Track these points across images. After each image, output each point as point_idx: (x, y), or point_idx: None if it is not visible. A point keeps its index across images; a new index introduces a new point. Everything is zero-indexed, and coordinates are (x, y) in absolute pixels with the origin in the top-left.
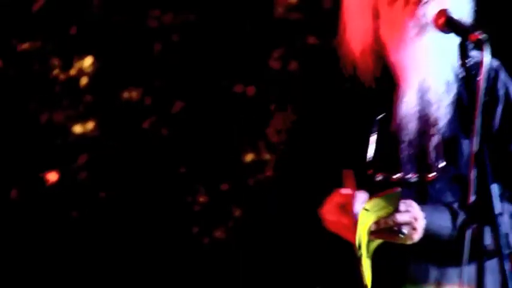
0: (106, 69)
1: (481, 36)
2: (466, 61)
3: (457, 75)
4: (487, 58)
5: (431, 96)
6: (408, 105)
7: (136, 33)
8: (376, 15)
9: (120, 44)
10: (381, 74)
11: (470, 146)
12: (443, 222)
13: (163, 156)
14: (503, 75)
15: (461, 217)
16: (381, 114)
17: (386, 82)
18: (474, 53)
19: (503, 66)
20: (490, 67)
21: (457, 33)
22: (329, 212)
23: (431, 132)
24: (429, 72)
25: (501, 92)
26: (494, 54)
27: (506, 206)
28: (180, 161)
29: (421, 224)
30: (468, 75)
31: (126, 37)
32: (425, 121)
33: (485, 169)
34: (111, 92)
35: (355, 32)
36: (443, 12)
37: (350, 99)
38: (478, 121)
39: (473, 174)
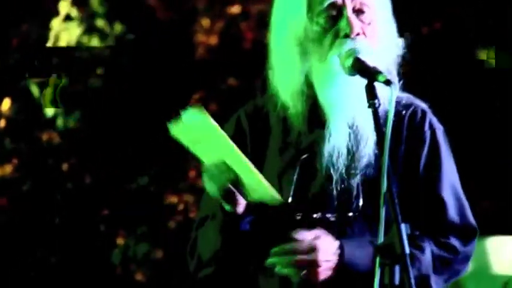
0: (23, 111)
1: (389, 76)
2: (375, 102)
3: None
4: (394, 98)
5: (358, 135)
6: (335, 144)
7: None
8: (303, 53)
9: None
10: (309, 114)
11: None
12: (363, 258)
13: (83, 199)
14: (430, 118)
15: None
16: (305, 154)
17: (315, 121)
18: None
19: (432, 108)
20: (418, 108)
21: (363, 75)
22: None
23: (354, 172)
24: (356, 112)
25: (427, 135)
26: (423, 96)
27: (432, 247)
28: (101, 203)
29: (325, 265)
30: (375, 116)
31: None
32: (349, 160)
33: (395, 208)
34: (29, 135)
35: (283, 73)
36: (351, 53)
37: (276, 140)
38: (385, 160)
39: (383, 213)
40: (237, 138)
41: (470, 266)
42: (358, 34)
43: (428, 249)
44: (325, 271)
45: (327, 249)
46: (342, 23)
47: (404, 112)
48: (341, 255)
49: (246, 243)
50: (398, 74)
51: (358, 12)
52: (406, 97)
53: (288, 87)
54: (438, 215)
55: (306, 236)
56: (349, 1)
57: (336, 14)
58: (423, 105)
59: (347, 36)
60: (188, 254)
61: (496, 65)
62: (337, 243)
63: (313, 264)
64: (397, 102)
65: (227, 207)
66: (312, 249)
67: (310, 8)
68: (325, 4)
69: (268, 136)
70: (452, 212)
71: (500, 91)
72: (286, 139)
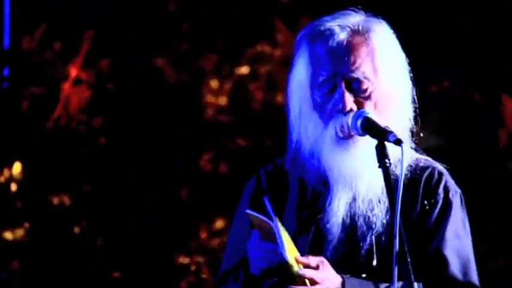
0: (35, 175)
1: (399, 136)
2: (386, 161)
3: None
4: (405, 157)
5: (365, 200)
6: (339, 208)
7: (63, 138)
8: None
9: (48, 150)
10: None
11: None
12: None
13: (96, 261)
14: (445, 180)
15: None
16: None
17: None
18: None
19: (449, 172)
20: (435, 170)
21: (373, 135)
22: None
23: (367, 232)
24: (362, 177)
25: (441, 196)
26: (442, 160)
27: None
28: (113, 266)
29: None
30: (386, 176)
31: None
32: (358, 223)
33: (407, 268)
34: (41, 198)
35: (300, 135)
36: (360, 114)
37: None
38: (397, 220)
39: (395, 273)
40: (257, 196)
41: None
42: (351, 110)
43: None
44: None
45: (330, 275)
46: (335, 99)
47: (421, 174)
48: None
49: None
50: (413, 134)
51: (355, 87)
52: (425, 159)
53: (304, 147)
54: (439, 272)
55: (310, 257)
56: (341, 78)
57: (331, 89)
58: (441, 167)
59: (340, 112)
60: None
61: None
62: (340, 277)
63: (317, 281)
64: (416, 165)
65: (253, 269)
66: (318, 267)
67: (313, 79)
68: (321, 79)
69: (286, 195)
70: (454, 270)
71: None
72: (303, 198)
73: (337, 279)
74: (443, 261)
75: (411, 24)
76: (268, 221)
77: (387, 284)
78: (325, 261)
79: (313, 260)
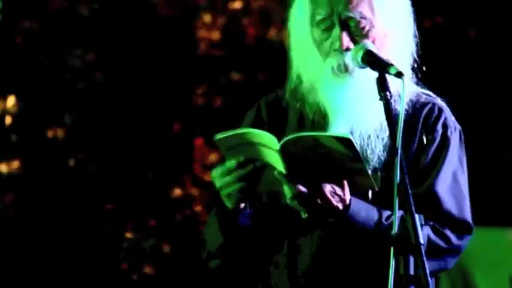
0: (29, 108)
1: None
2: (387, 94)
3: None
4: (406, 89)
5: (363, 133)
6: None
7: (60, 72)
8: (311, 55)
9: (43, 83)
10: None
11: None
12: (367, 219)
13: (90, 194)
14: (445, 117)
15: (385, 215)
16: None
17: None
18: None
19: (449, 106)
20: (435, 106)
21: (374, 67)
22: None
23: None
24: (356, 114)
25: (439, 133)
26: (442, 93)
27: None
28: (107, 198)
29: (331, 202)
30: (387, 109)
31: (49, 76)
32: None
33: (409, 200)
34: (36, 131)
35: (299, 68)
36: (361, 47)
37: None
38: (398, 152)
39: (396, 205)
40: (256, 125)
41: (478, 258)
42: (347, 48)
43: (426, 232)
44: (327, 209)
45: (335, 189)
46: (333, 37)
47: (421, 110)
48: (347, 207)
49: (248, 238)
50: (414, 69)
51: (352, 25)
52: (426, 95)
53: (305, 81)
54: (434, 208)
55: None
56: (338, 17)
57: (328, 27)
58: (441, 103)
59: (337, 50)
60: (201, 244)
61: None
62: (347, 195)
63: (320, 194)
64: (416, 100)
65: (228, 203)
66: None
67: (311, 18)
68: (319, 18)
69: (285, 126)
70: (448, 206)
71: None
72: (301, 131)
73: (342, 192)
74: (438, 199)
75: None
76: (240, 130)
77: (390, 212)
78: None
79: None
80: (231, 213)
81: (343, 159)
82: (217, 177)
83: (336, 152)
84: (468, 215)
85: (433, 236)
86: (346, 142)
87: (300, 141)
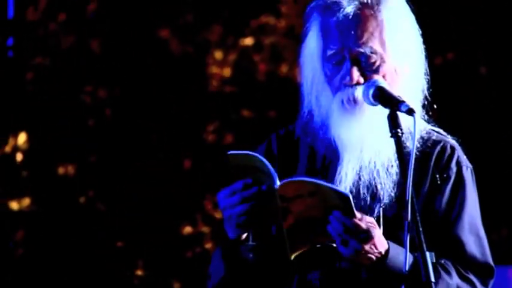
0: (40, 145)
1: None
2: (398, 131)
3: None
4: (417, 126)
5: (372, 170)
6: (347, 177)
7: (70, 109)
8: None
9: (53, 120)
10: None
11: (406, 214)
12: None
13: (101, 231)
14: (458, 155)
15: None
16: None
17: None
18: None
19: (460, 146)
20: (448, 144)
21: (385, 104)
22: None
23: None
24: (369, 149)
25: (453, 171)
26: (453, 132)
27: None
28: (117, 236)
29: (372, 252)
30: (398, 145)
31: (59, 112)
32: (365, 194)
33: (420, 237)
34: (47, 168)
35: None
36: (373, 84)
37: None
38: (409, 189)
39: (407, 241)
40: (267, 159)
41: None
42: (357, 83)
43: (455, 277)
44: (369, 257)
45: (380, 237)
46: (343, 72)
47: (432, 148)
48: (385, 254)
49: (249, 271)
50: (424, 106)
51: (362, 60)
52: (437, 132)
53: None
54: (457, 253)
55: (365, 216)
56: (348, 52)
57: (339, 62)
58: (453, 141)
59: (347, 84)
60: (207, 277)
61: None
62: (386, 241)
63: (367, 241)
64: (428, 138)
65: (230, 230)
66: (370, 230)
67: (323, 52)
68: (330, 53)
69: (297, 162)
70: (472, 249)
71: None
72: (312, 166)
73: (384, 241)
74: (461, 242)
75: None
76: (253, 153)
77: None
78: (374, 222)
79: (365, 221)
80: (233, 243)
81: (338, 209)
82: (223, 198)
83: (332, 201)
84: (490, 258)
85: (460, 282)
86: (345, 198)
87: (301, 184)
